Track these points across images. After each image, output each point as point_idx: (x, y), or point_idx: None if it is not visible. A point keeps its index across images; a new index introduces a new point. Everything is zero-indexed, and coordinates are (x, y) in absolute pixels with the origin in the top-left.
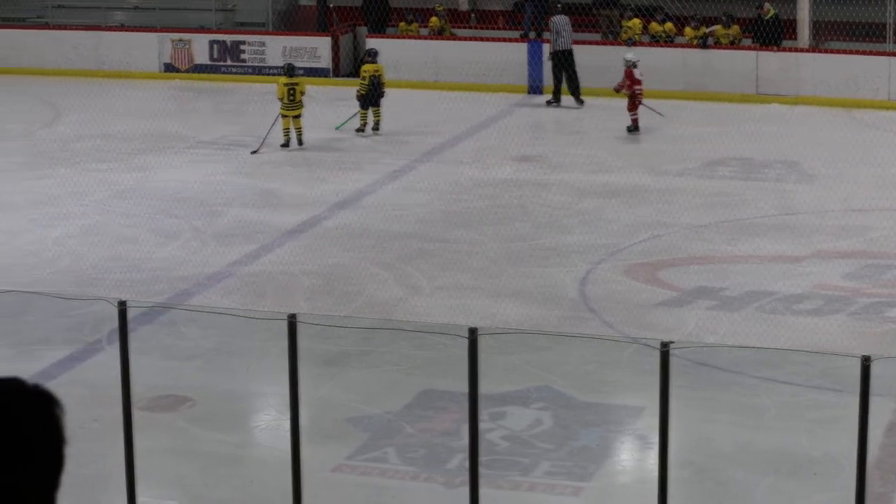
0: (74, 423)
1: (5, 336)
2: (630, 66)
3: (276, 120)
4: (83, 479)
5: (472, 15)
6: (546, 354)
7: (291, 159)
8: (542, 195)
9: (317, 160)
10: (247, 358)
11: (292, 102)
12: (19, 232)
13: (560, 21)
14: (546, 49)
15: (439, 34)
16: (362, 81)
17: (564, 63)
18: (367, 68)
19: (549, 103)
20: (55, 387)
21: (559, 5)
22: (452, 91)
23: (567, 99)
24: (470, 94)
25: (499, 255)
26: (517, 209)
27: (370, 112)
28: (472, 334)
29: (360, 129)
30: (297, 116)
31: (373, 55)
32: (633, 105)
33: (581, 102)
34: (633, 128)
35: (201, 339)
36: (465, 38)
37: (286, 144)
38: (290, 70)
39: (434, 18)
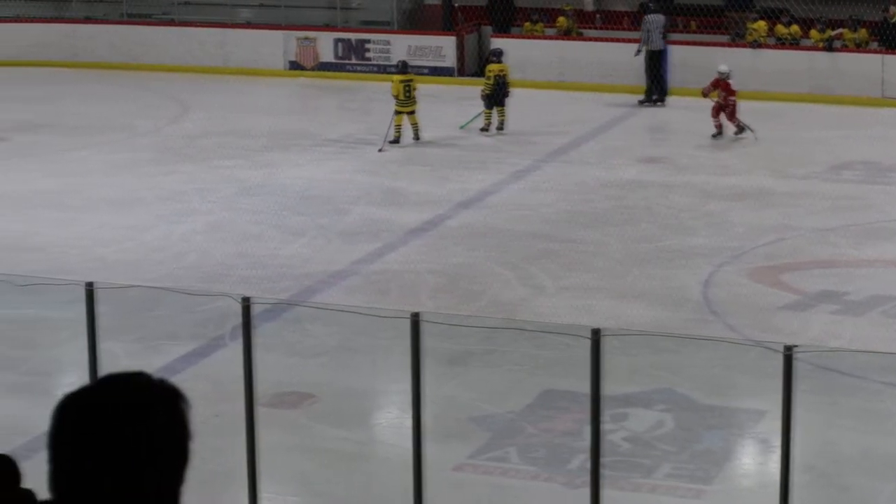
0: (198, 418)
1: (133, 331)
2: (725, 79)
3: (393, 117)
4: (206, 475)
5: (598, 15)
6: (669, 356)
7: (416, 158)
8: (667, 197)
9: (441, 159)
10: (370, 356)
11: (408, 99)
12: (146, 227)
13: (655, 21)
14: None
15: (566, 34)
16: (487, 81)
17: (655, 63)
18: (492, 68)
19: (640, 103)
20: (179, 381)
21: (651, 5)
22: (577, 91)
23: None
24: (595, 94)
25: (624, 256)
26: (642, 210)
27: (495, 112)
28: (596, 335)
29: (485, 129)
30: (413, 112)
31: (498, 55)
32: (730, 116)
33: (661, 103)
34: (720, 132)
35: (325, 336)
36: (591, 39)
37: (397, 141)
38: (404, 67)
39: (562, 18)
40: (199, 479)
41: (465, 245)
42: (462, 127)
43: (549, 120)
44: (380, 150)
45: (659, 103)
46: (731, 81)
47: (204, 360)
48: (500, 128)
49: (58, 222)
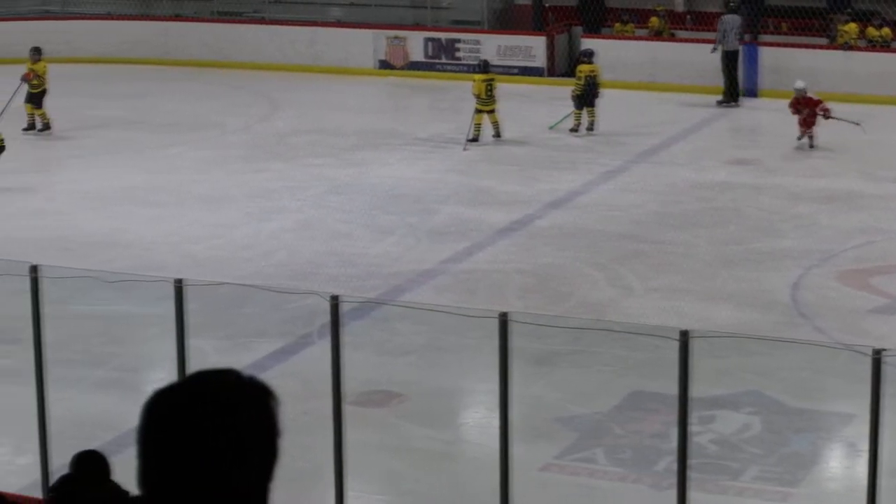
0: (286, 415)
1: (222, 328)
2: (802, 94)
3: (473, 115)
4: (294, 472)
5: (688, 16)
6: (757, 359)
7: (505, 158)
8: (756, 198)
9: (530, 159)
10: (458, 355)
11: (489, 98)
12: (236, 225)
13: (731, 21)
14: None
15: (658, 35)
16: (578, 81)
17: (731, 63)
18: (583, 68)
19: (719, 103)
20: (268, 379)
21: (732, 4)
22: (668, 92)
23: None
24: (685, 95)
25: (713, 258)
26: (732, 212)
27: (584, 112)
28: (684, 336)
29: (574, 129)
30: (493, 111)
31: (589, 55)
32: (810, 123)
33: (734, 103)
34: (803, 137)
35: (413, 335)
36: (681, 40)
37: (476, 139)
38: (485, 66)
39: (654, 19)
40: (288, 476)
41: (553, 245)
42: (551, 127)
43: (639, 121)
44: (464, 150)
45: (733, 104)
46: (810, 94)
47: (292, 358)
48: (590, 128)
49: (147, 219)
